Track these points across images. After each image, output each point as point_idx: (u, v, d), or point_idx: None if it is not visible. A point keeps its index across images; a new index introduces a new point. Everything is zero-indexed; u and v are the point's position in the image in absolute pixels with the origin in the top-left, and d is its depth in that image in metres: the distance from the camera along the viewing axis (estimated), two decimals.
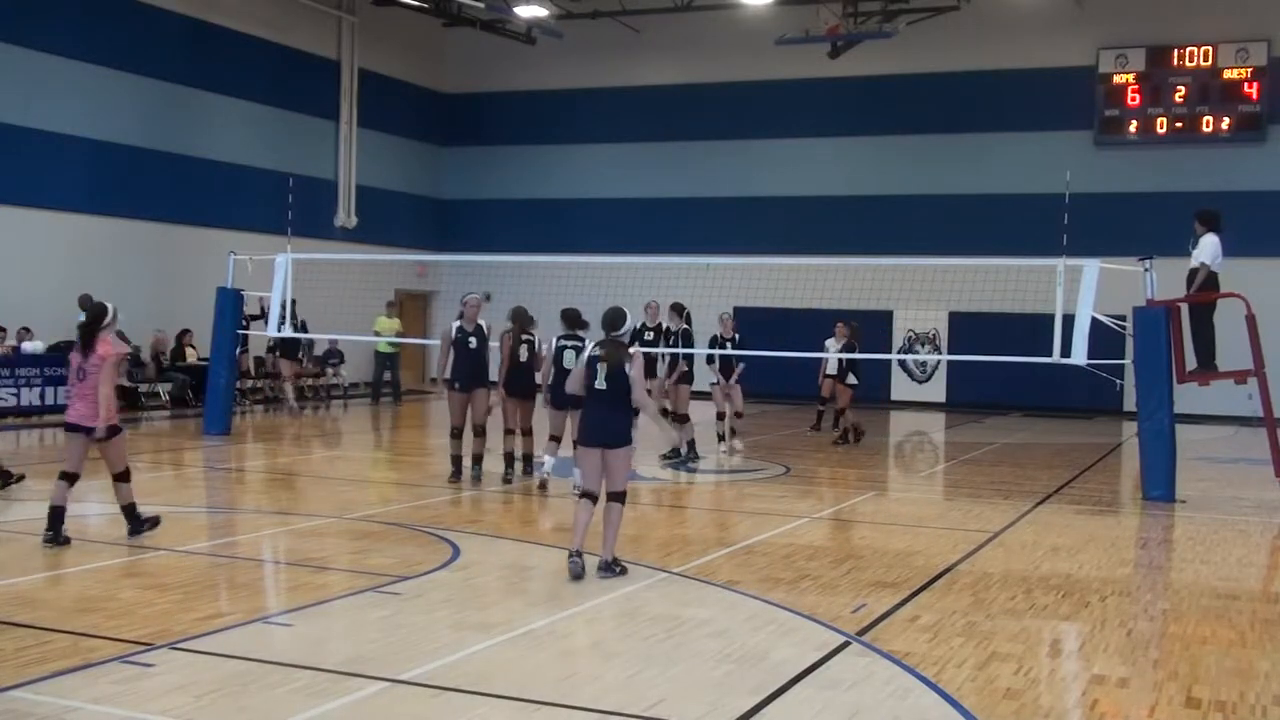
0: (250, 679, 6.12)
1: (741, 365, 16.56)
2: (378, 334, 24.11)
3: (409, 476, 14.42)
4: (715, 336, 16.54)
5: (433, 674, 6.28)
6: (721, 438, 17.01)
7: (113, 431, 9.28)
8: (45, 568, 8.50)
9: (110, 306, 9.38)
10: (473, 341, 13.27)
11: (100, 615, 7.33)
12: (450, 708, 5.83)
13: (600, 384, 8.54)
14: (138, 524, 9.61)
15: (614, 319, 8.77)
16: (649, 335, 15.85)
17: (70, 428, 9.38)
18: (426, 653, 6.68)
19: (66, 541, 9.14)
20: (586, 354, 8.72)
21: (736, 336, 16.57)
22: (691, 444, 15.84)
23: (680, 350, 15.89)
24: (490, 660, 6.61)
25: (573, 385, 8.83)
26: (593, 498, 8.60)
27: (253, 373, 23.96)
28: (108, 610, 7.43)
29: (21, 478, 12.04)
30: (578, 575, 8.41)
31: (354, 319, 22.77)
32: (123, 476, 9.54)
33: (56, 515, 9.17)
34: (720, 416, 17.04)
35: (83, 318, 9.57)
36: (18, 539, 9.76)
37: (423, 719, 5.71)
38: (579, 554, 8.49)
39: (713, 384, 16.78)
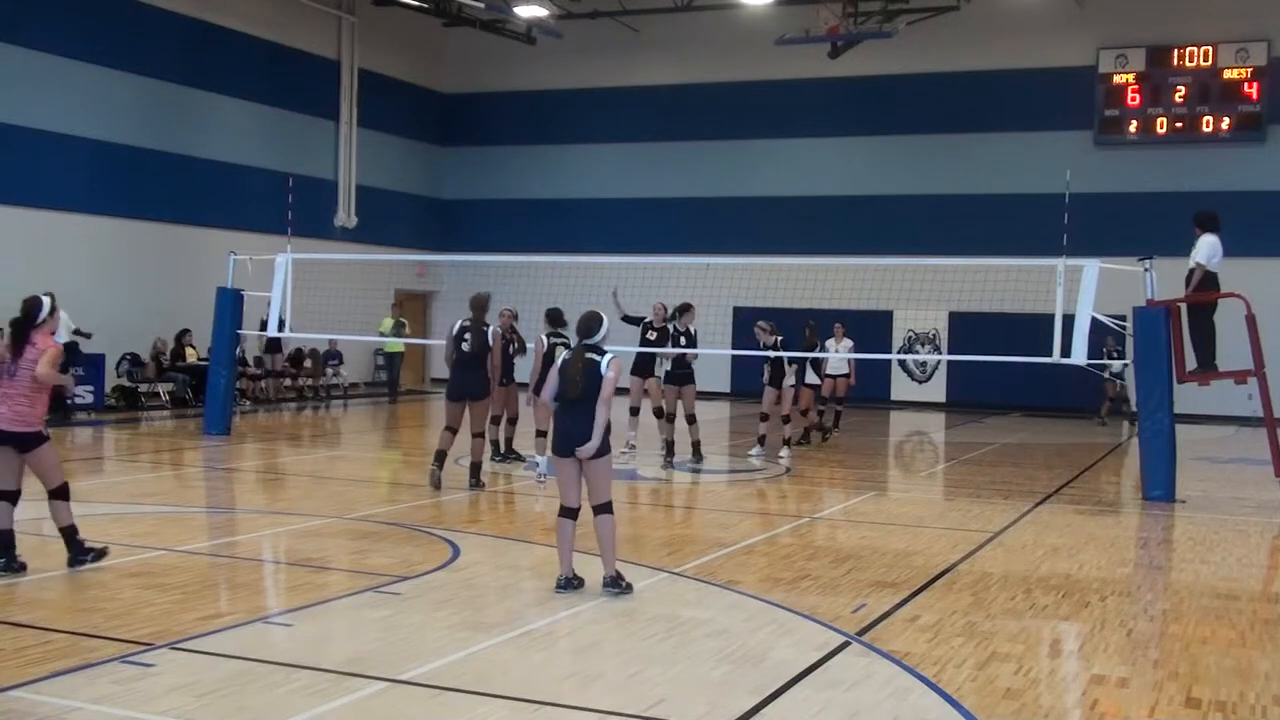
0: (250, 679, 6.12)
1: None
2: (382, 334, 24.72)
3: (409, 476, 14.42)
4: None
5: (433, 674, 6.28)
6: (762, 440, 16.68)
7: (37, 440, 8.31)
8: (45, 568, 8.49)
9: (48, 300, 8.51)
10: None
11: (100, 615, 7.33)
12: (450, 708, 5.83)
13: (574, 393, 8.00)
14: (80, 553, 8.48)
15: (588, 325, 8.18)
16: (652, 335, 15.87)
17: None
18: (426, 653, 6.68)
19: (22, 568, 8.31)
20: (559, 360, 8.23)
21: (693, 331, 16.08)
22: (696, 445, 15.73)
23: (696, 350, 15.83)
24: (490, 660, 6.61)
25: (547, 393, 8.29)
26: (571, 514, 8.13)
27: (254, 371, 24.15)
28: (108, 610, 7.43)
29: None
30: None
31: (354, 319, 22.80)
32: (59, 493, 8.47)
33: (3, 540, 8.31)
34: (765, 418, 16.65)
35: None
36: (17, 539, 9.74)
37: (422, 719, 5.71)
38: (568, 581, 8.11)
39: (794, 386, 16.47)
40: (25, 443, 8.30)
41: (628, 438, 15.68)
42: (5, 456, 8.34)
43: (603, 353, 8.11)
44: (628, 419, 15.80)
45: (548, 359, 13.32)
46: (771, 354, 16.07)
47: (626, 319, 15.98)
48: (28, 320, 8.38)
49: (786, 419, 16.47)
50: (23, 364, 8.25)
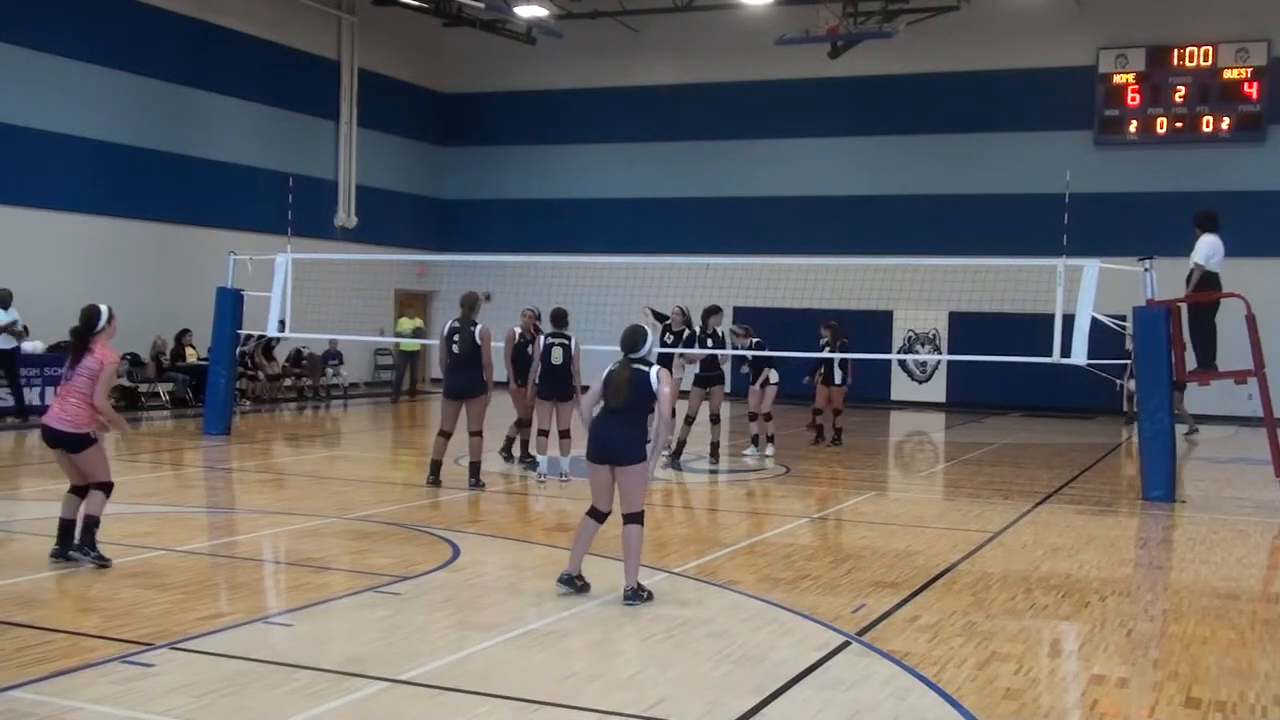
0: (250, 679, 6.12)
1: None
2: (400, 334, 25.87)
3: (409, 476, 14.42)
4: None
5: (433, 674, 6.28)
6: (756, 440, 16.99)
7: (86, 442, 8.51)
8: (45, 568, 8.49)
9: (105, 308, 8.68)
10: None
11: (100, 615, 7.33)
12: (450, 708, 5.83)
13: (617, 403, 7.96)
14: (89, 545, 8.48)
15: (633, 339, 8.07)
16: (669, 338, 16.01)
17: (50, 439, 8.56)
18: (426, 653, 6.68)
19: (69, 559, 8.52)
20: (605, 370, 8.11)
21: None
22: (715, 446, 15.77)
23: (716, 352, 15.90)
24: (490, 660, 6.61)
25: (587, 403, 8.16)
26: (598, 517, 8.04)
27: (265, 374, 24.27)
28: (108, 610, 7.43)
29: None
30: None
31: (354, 319, 22.84)
32: (102, 487, 8.58)
33: (63, 529, 8.62)
34: (754, 418, 16.97)
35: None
36: (18, 539, 9.76)
37: (422, 719, 5.71)
38: (570, 579, 8.03)
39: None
40: (75, 444, 8.51)
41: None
42: (63, 459, 8.64)
43: (649, 364, 8.07)
44: None
45: (544, 359, 13.41)
46: (750, 354, 16.41)
47: (654, 314, 16.21)
48: (88, 329, 8.60)
49: (768, 416, 16.74)
50: (80, 369, 8.49)
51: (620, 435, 7.97)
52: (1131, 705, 6.19)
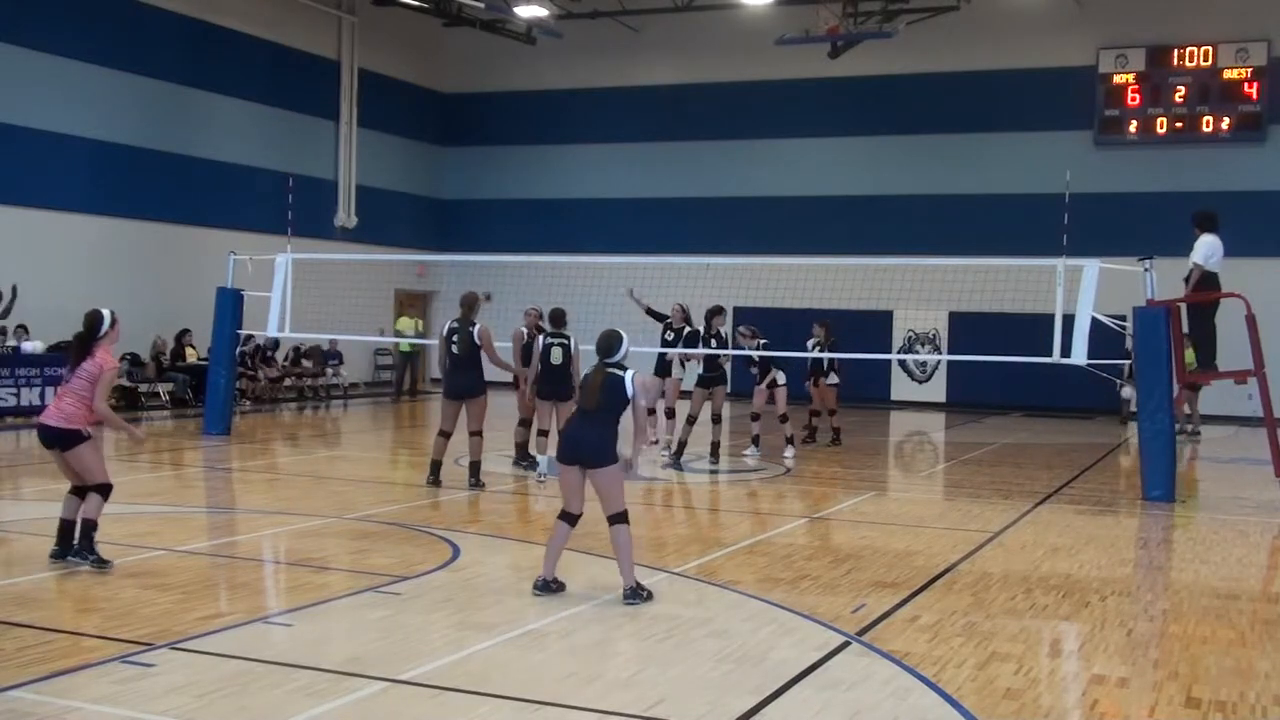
0: (250, 679, 6.12)
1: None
2: (400, 333, 26.22)
3: (409, 476, 14.43)
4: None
5: (433, 674, 6.28)
6: (756, 440, 16.97)
7: (77, 439, 8.47)
8: (45, 568, 8.49)
9: (108, 314, 8.67)
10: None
11: (100, 615, 7.33)
12: (450, 708, 5.83)
13: (590, 404, 7.98)
14: (88, 549, 8.47)
15: (608, 344, 8.10)
16: (669, 335, 16.03)
17: (44, 438, 8.61)
18: (426, 653, 6.68)
19: (66, 560, 8.53)
20: (583, 374, 8.17)
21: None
22: (716, 446, 15.79)
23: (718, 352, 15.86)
24: (490, 660, 6.61)
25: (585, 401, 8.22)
26: (569, 520, 8.02)
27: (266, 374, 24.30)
28: (108, 610, 7.44)
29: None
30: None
31: (354, 319, 22.83)
32: (100, 490, 8.56)
33: (63, 530, 8.61)
34: (755, 418, 16.97)
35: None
36: (18, 539, 9.76)
37: (423, 719, 5.71)
38: (545, 584, 8.02)
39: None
40: (66, 440, 8.52)
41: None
42: (58, 459, 8.65)
43: (624, 369, 8.08)
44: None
45: (544, 359, 13.45)
46: (756, 354, 16.32)
47: (651, 313, 16.21)
48: (90, 334, 8.65)
49: (784, 418, 16.60)
50: (79, 373, 8.55)
51: (592, 436, 7.95)
52: (1131, 705, 6.19)
